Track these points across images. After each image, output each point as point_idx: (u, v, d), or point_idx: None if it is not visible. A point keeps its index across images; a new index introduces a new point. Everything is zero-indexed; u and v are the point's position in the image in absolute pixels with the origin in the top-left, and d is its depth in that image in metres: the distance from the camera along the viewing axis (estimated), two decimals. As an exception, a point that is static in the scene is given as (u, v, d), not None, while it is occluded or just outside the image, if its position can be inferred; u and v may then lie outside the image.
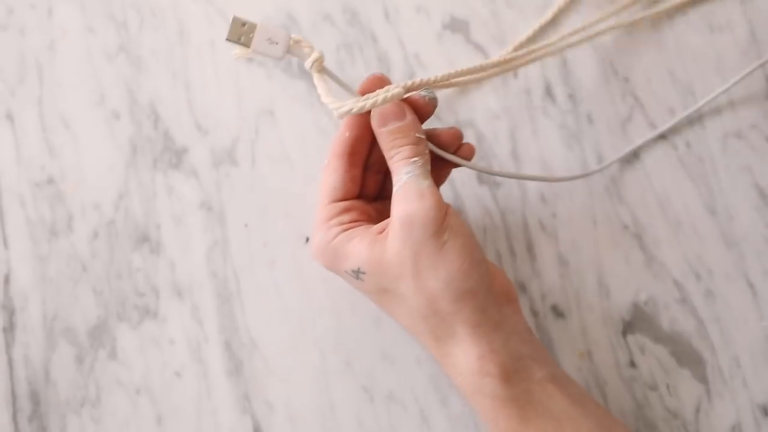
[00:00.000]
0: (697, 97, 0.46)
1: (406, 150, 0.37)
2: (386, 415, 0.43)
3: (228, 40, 0.35)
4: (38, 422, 0.43)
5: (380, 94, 0.37)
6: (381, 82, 0.38)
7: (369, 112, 0.37)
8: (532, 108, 0.47)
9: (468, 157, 0.40)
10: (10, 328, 0.44)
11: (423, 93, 0.38)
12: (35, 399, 0.43)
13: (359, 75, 0.47)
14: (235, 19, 0.35)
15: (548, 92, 0.47)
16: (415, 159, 0.36)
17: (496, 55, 0.47)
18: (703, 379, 0.44)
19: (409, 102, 0.38)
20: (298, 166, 0.46)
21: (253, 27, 0.35)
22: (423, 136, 0.37)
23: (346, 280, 0.39)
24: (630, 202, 0.45)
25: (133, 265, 0.45)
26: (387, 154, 0.37)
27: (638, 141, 0.46)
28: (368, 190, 0.41)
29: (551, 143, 0.46)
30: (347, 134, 0.39)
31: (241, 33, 0.35)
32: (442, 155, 0.39)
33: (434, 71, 0.47)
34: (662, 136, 0.46)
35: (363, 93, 0.37)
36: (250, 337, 0.44)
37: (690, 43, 0.47)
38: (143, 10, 0.47)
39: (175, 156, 0.46)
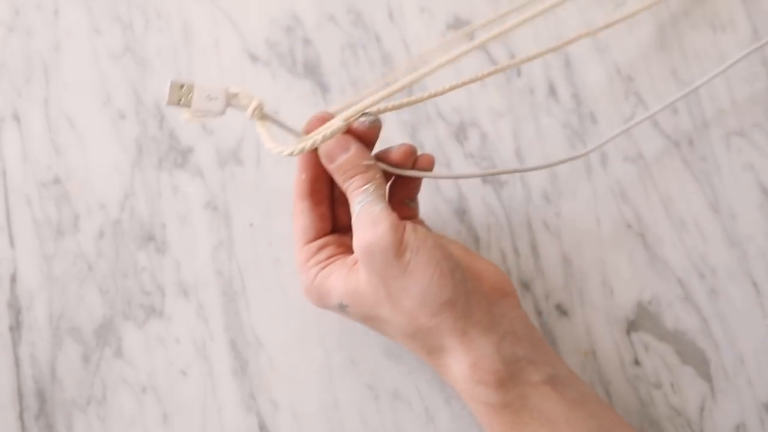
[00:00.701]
0: (700, 96, 0.47)
1: (357, 180, 0.37)
2: (391, 413, 0.43)
3: (168, 104, 0.35)
4: (45, 420, 0.43)
5: (319, 134, 0.37)
6: (321, 121, 0.38)
7: (317, 150, 0.38)
8: (535, 107, 0.47)
9: (428, 168, 0.40)
10: (16, 327, 0.44)
11: (362, 119, 0.38)
12: (42, 397, 0.44)
13: (363, 75, 0.47)
14: (172, 84, 0.35)
15: (552, 91, 0.47)
16: (366, 186, 0.37)
17: (499, 55, 0.47)
18: (707, 378, 0.44)
19: (351, 132, 0.38)
20: (302, 165, 0.46)
21: (191, 87, 0.35)
22: (372, 162, 0.38)
23: (338, 314, 0.40)
24: (633, 201, 0.46)
25: (138, 264, 0.45)
26: (343, 188, 0.38)
27: (641, 138, 0.46)
28: (341, 221, 0.41)
29: (555, 142, 0.46)
30: (303, 176, 0.40)
31: (180, 96, 0.35)
32: (400, 173, 0.39)
33: (438, 71, 0.47)
34: (666, 135, 0.46)
35: (308, 132, 0.38)
36: (256, 335, 0.44)
37: (693, 43, 0.47)
38: (149, 12, 0.48)
39: (180, 156, 0.46)
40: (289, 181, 0.45)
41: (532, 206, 0.46)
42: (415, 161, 0.40)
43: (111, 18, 0.48)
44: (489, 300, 0.38)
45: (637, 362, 0.44)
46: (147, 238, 0.45)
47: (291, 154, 0.37)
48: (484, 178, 0.46)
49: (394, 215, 0.36)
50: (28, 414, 0.43)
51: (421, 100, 0.39)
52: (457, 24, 0.48)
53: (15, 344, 0.44)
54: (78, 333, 0.44)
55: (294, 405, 0.44)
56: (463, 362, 0.36)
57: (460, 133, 0.46)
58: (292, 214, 0.41)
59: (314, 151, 0.38)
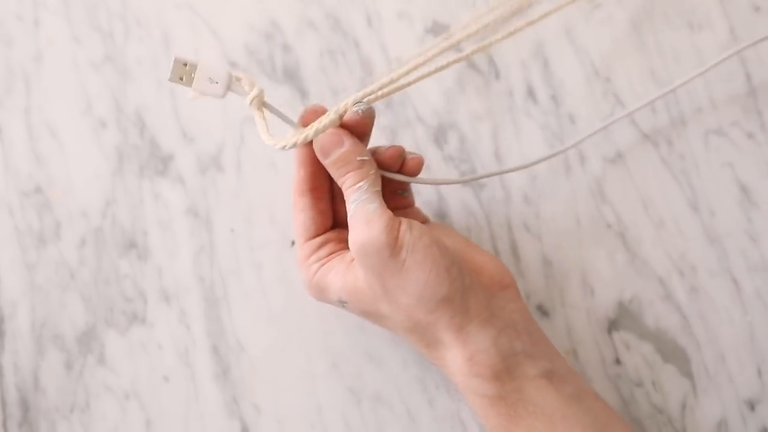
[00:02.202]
0: (678, 95, 0.47)
1: (351, 176, 0.37)
2: (373, 416, 0.44)
3: (170, 80, 0.35)
4: (28, 428, 0.43)
5: (312, 128, 0.37)
6: (316, 113, 0.38)
7: (313, 145, 0.38)
8: (514, 109, 0.47)
9: (415, 171, 0.40)
10: (-1, 336, 0.45)
11: (355, 108, 0.38)
12: (25, 405, 0.44)
13: (342, 81, 0.47)
14: (176, 60, 0.35)
15: (530, 93, 0.47)
16: (360, 184, 0.37)
17: (475, 58, 0.47)
18: (688, 375, 0.44)
19: (345, 124, 0.38)
20: (283, 171, 0.46)
21: (194, 66, 0.35)
22: (366, 157, 0.38)
23: (339, 309, 0.40)
24: (613, 201, 0.46)
25: (120, 271, 0.45)
26: (338, 183, 0.38)
27: (619, 137, 0.46)
28: (341, 215, 0.41)
29: (534, 144, 0.47)
30: (302, 172, 0.40)
31: (182, 73, 0.35)
32: (387, 175, 0.39)
33: (417, 75, 0.47)
34: (644, 135, 0.46)
35: (304, 125, 0.38)
36: (238, 340, 0.45)
37: (670, 42, 0.47)
38: (128, 20, 0.48)
39: (161, 163, 0.46)
40: (269, 188, 0.46)
41: (512, 208, 0.46)
42: (403, 163, 0.40)
43: (91, 27, 0.48)
44: (488, 293, 0.38)
45: (618, 361, 0.44)
46: (129, 245, 0.45)
47: (284, 147, 0.37)
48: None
49: (388, 213, 0.36)
50: (11, 422, 0.44)
51: (406, 85, 0.40)
52: (435, 28, 0.48)
53: (-2, 353, 0.45)
54: (60, 340, 0.44)
55: (277, 409, 0.44)
56: (459, 356, 0.36)
57: (439, 136, 0.47)
58: (292, 209, 0.40)
59: (312, 147, 0.38)
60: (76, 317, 0.45)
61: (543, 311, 0.45)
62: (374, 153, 0.39)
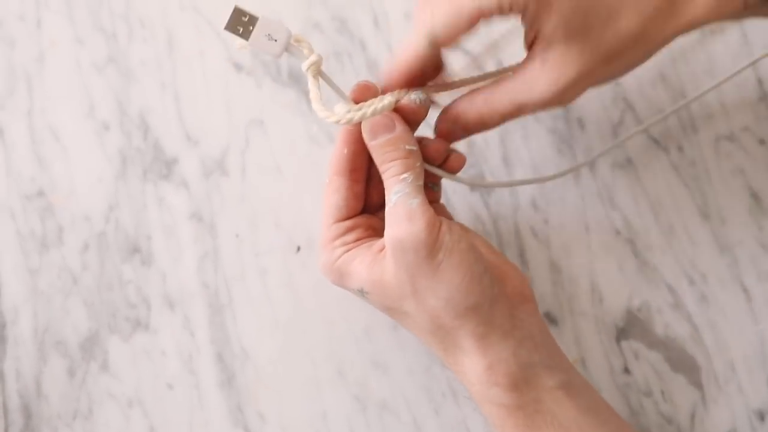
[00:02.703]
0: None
1: (396, 165, 0.36)
2: (379, 424, 0.43)
3: (226, 29, 0.34)
4: (30, 436, 0.43)
5: (370, 106, 0.36)
6: (368, 90, 0.37)
7: (361, 124, 0.37)
8: (523, 114, 0.46)
9: (456, 169, 0.40)
10: (1, 342, 0.44)
11: (413, 96, 0.37)
12: (27, 412, 0.43)
13: (348, 82, 0.46)
14: (236, 9, 0.34)
15: (539, 97, 0.46)
16: (405, 175, 0.36)
17: (486, 61, 0.47)
18: (698, 385, 0.44)
19: (399, 109, 0.37)
20: (288, 175, 0.46)
21: (254, 20, 0.34)
22: (415, 148, 0.37)
23: (356, 296, 0.39)
24: (622, 207, 0.45)
25: (124, 276, 0.45)
26: (380, 169, 0.37)
27: (629, 143, 0.46)
28: (372, 200, 0.40)
29: (542, 148, 0.46)
30: (345, 150, 0.38)
31: (240, 24, 0.34)
32: (428, 169, 0.39)
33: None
34: (654, 140, 0.46)
35: (355, 101, 0.37)
36: (242, 347, 0.44)
37: (681, 46, 0.47)
38: (132, 21, 0.47)
39: (165, 167, 0.46)
40: (274, 192, 0.45)
41: (520, 213, 0.45)
42: (447, 158, 0.39)
43: (94, 28, 0.47)
44: (511, 304, 0.37)
45: (627, 370, 0.44)
46: (132, 250, 0.45)
47: (338, 122, 0.36)
48: (473, 186, 0.46)
49: (431, 211, 0.36)
50: (13, 429, 0.43)
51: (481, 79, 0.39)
52: (443, 30, 0.47)
53: (0, 359, 0.44)
54: (63, 347, 0.44)
55: (282, 417, 0.43)
56: (479, 364, 0.36)
57: (447, 141, 0.46)
58: (325, 187, 0.39)
59: (359, 126, 0.37)
60: (78, 323, 0.44)
61: (551, 319, 0.44)
62: (419, 142, 0.38)
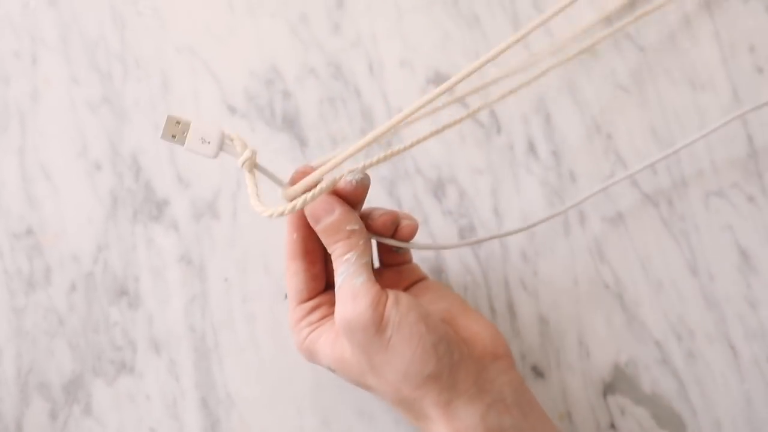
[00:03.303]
0: (680, 155, 0.46)
1: (340, 247, 0.37)
2: (363, 475, 0.43)
3: (162, 138, 0.35)
4: (9, 479, 0.43)
5: (302, 198, 0.36)
6: (306, 175, 0.37)
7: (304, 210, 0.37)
8: (514, 164, 0.47)
9: (408, 237, 0.39)
10: (-17, 382, 0.44)
11: (349, 177, 0.37)
12: (7, 455, 0.43)
13: (342, 129, 0.47)
14: (169, 118, 0.34)
15: (531, 148, 0.47)
16: (347, 256, 0.36)
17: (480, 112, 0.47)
18: (683, 442, 0.43)
19: (338, 191, 0.37)
20: (279, 220, 0.45)
21: (186, 125, 0.35)
22: (357, 227, 0.37)
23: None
24: (611, 261, 0.45)
25: (110, 318, 0.44)
26: (328, 251, 0.37)
27: (619, 197, 0.46)
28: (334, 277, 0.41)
29: (533, 200, 0.46)
30: (294, 236, 0.39)
31: (174, 131, 0.35)
32: (378, 240, 0.39)
33: (418, 125, 0.47)
34: (645, 195, 0.46)
35: (292, 185, 0.37)
36: (227, 393, 0.44)
37: (672, 101, 0.47)
38: (127, 61, 0.47)
39: (155, 208, 0.46)
40: (264, 237, 0.45)
41: (510, 265, 0.45)
42: (397, 228, 0.39)
43: (89, 67, 0.47)
44: (479, 365, 0.37)
45: (613, 426, 0.44)
46: (120, 291, 0.45)
47: (271, 216, 0.36)
48: (462, 235, 0.46)
49: (375, 288, 0.36)
50: (-8, 472, 0.43)
51: (404, 149, 0.39)
52: (437, 79, 0.47)
53: (-18, 399, 0.44)
54: (46, 389, 0.44)
55: (265, 466, 0.43)
56: (446, 431, 0.36)
57: (438, 190, 0.46)
58: (285, 272, 0.40)
59: (303, 211, 0.38)
60: (63, 365, 0.44)
61: (538, 372, 0.44)
62: (368, 217, 0.38)
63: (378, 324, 0.35)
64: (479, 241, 0.43)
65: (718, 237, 0.46)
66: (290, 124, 0.47)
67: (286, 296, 0.45)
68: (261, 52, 0.48)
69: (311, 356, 0.39)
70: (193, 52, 0.48)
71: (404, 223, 0.39)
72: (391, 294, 0.36)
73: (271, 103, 0.47)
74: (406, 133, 0.46)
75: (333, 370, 0.38)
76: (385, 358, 0.35)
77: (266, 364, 0.44)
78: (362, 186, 0.37)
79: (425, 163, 0.46)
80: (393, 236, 0.39)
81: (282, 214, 0.36)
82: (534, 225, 0.43)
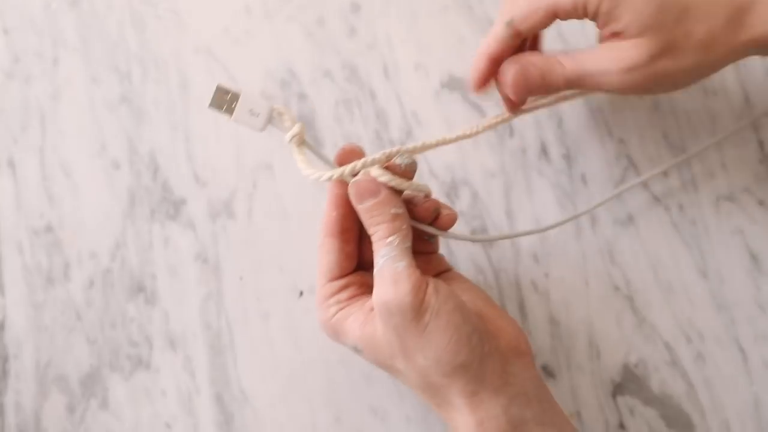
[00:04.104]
0: (690, 161, 0.47)
1: (382, 229, 0.37)
2: (375, 472, 0.43)
3: (210, 107, 0.35)
4: (27, 471, 0.43)
5: (350, 165, 0.37)
6: (353, 153, 0.38)
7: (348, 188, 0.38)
8: (527, 167, 0.47)
9: (447, 226, 0.40)
10: (2, 375, 0.44)
11: (398, 161, 0.38)
12: (25, 448, 0.44)
13: (357, 131, 0.48)
14: (218, 88, 0.35)
15: (544, 151, 0.47)
16: (390, 239, 0.37)
17: (493, 113, 0.48)
18: (692, 444, 0.44)
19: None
20: (294, 220, 0.46)
21: (236, 96, 0.35)
22: (401, 211, 0.37)
23: (352, 352, 0.40)
24: (622, 263, 0.46)
25: (127, 314, 0.45)
26: (368, 231, 0.38)
27: (631, 200, 0.46)
28: (367, 257, 0.41)
29: (545, 203, 0.47)
30: (334, 213, 0.39)
31: (223, 102, 0.35)
32: (418, 227, 0.39)
33: (432, 129, 0.48)
34: (656, 198, 0.47)
35: (340, 164, 0.38)
36: (242, 389, 0.44)
37: (684, 107, 0.48)
38: (146, 62, 0.48)
39: (172, 207, 0.46)
40: (279, 237, 0.46)
41: (521, 266, 0.46)
42: (437, 216, 0.40)
43: (109, 68, 0.48)
44: (504, 359, 0.38)
45: (622, 426, 0.44)
46: (137, 288, 0.45)
47: (319, 179, 0.37)
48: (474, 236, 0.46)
49: (417, 273, 0.36)
50: (11, 464, 0.43)
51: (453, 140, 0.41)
52: (451, 82, 0.48)
53: (1, 392, 0.44)
54: (64, 383, 0.44)
55: (278, 461, 0.44)
56: (469, 421, 0.36)
57: (451, 192, 0.47)
58: (318, 249, 0.40)
59: (346, 189, 0.38)
60: (80, 359, 0.45)
61: (548, 372, 0.45)
62: (410, 202, 0.39)
63: (417, 309, 0.35)
64: (517, 235, 0.44)
65: (728, 241, 0.46)
66: (306, 125, 0.48)
67: (301, 294, 0.45)
68: (278, 54, 0.48)
69: (335, 335, 0.39)
70: (211, 53, 0.48)
71: (445, 212, 0.40)
72: (431, 281, 0.37)
73: (287, 105, 0.48)
74: (422, 135, 0.47)
75: (358, 351, 0.38)
76: (419, 343, 0.36)
77: (280, 361, 0.45)
78: (410, 170, 0.38)
79: (439, 165, 0.47)
80: (432, 224, 0.40)
81: (330, 178, 0.37)
82: (553, 227, 0.43)
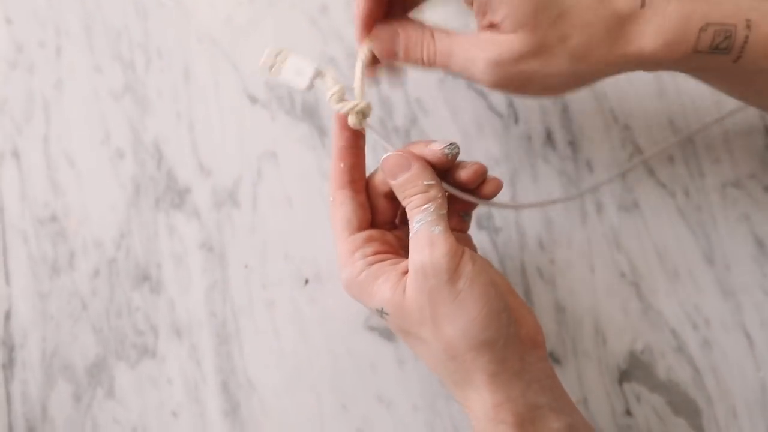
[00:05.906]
0: (696, 146, 0.47)
1: (416, 199, 0.37)
2: (381, 459, 0.43)
3: (260, 67, 0.37)
4: (34, 460, 0.43)
5: (352, 102, 0.38)
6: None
7: (356, 138, 0.39)
8: (532, 154, 0.47)
9: (491, 194, 0.39)
10: (9, 364, 0.44)
11: (447, 151, 0.38)
12: (32, 436, 0.44)
13: (361, 118, 0.47)
14: (271, 50, 0.37)
15: (549, 138, 0.47)
16: (426, 206, 0.37)
17: (495, 101, 0.47)
18: (699, 429, 0.44)
19: (429, 159, 0.38)
20: (298, 208, 0.46)
21: (285, 57, 0.37)
22: (434, 182, 0.37)
23: (375, 315, 0.39)
24: (628, 250, 0.46)
25: (132, 303, 0.45)
26: (403, 204, 0.38)
27: (636, 186, 0.46)
28: (383, 217, 0.41)
29: (550, 189, 0.46)
30: (341, 165, 0.39)
31: (273, 62, 0.37)
32: (458, 195, 0.39)
33: (436, 116, 0.47)
34: (661, 184, 0.46)
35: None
36: (248, 378, 0.44)
37: (690, 92, 0.47)
38: (150, 51, 0.48)
39: (177, 196, 0.46)
40: (284, 225, 0.46)
41: (527, 253, 0.46)
42: (482, 183, 0.39)
43: (112, 57, 0.48)
44: (523, 347, 0.38)
45: (628, 412, 0.44)
46: (142, 277, 0.45)
47: (340, 109, 0.38)
48: (479, 223, 0.46)
49: (453, 239, 0.36)
50: (18, 452, 0.44)
51: None
52: (455, 69, 0.48)
53: (7, 381, 0.44)
54: (70, 372, 0.44)
55: (284, 449, 0.44)
56: (488, 400, 0.36)
57: (456, 179, 0.47)
58: (330, 206, 0.40)
59: (353, 138, 0.39)
60: (86, 348, 0.45)
61: (555, 359, 0.45)
62: (457, 166, 0.39)
63: (453, 272, 0.35)
64: (567, 200, 0.45)
65: (734, 227, 0.46)
66: (310, 114, 0.47)
67: (306, 282, 0.45)
68: (281, 42, 0.48)
69: (361, 294, 0.38)
70: (215, 42, 0.48)
71: (491, 179, 0.39)
72: (467, 250, 0.37)
73: (291, 94, 0.48)
74: (428, 126, 0.47)
75: (384, 314, 0.38)
76: (449, 309, 0.36)
77: (286, 350, 0.45)
78: (454, 158, 0.38)
79: (443, 153, 0.47)
80: (475, 191, 0.39)
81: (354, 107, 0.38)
82: (560, 200, 0.43)
